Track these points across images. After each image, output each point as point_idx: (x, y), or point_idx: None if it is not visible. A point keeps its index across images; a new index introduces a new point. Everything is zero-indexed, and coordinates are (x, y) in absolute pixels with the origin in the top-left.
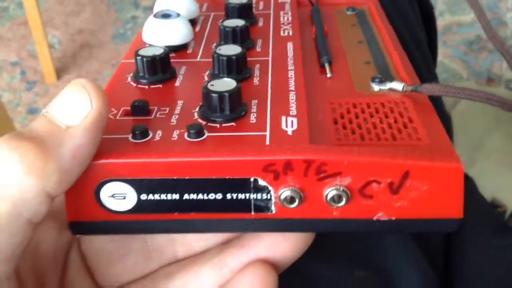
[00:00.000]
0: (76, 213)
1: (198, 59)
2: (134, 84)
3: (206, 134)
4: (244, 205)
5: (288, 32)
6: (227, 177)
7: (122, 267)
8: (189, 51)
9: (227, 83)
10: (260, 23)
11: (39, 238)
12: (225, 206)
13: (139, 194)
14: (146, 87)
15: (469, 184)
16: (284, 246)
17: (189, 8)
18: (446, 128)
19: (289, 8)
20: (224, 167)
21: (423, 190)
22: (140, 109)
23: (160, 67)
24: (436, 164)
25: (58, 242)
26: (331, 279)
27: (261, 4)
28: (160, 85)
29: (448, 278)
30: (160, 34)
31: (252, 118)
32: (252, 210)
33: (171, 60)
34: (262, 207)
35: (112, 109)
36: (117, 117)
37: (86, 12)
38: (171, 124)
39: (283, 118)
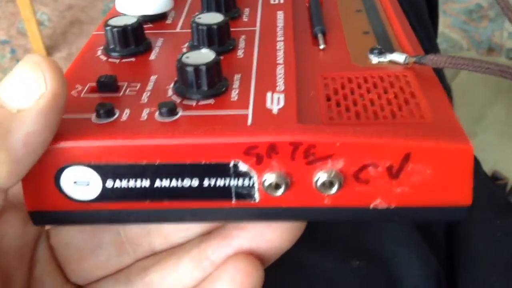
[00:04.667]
0: (36, 202)
1: (177, 29)
2: (105, 58)
3: (180, 113)
4: (224, 192)
5: (279, 1)
6: (203, 162)
7: (94, 261)
8: (168, 21)
9: (204, 55)
10: None
11: (2, 232)
12: (202, 193)
13: (104, 180)
14: (117, 61)
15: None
16: (270, 237)
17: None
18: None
19: None
20: (199, 151)
21: (426, 174)
22: (107, 85)
23: (133, 39)
24: (441, 145)
25: (24, 236)
26: (326, 269)
27: None
28: (133, 59)
29: (451, 264)
30: (134, 2)
31: (234, 95)
32: (233, 197)
33: (148, 31)
34: (244, 194)
35: (77, 86)
36: (82, 95)
37: None
38: (142, 102)
39: (269, 94)
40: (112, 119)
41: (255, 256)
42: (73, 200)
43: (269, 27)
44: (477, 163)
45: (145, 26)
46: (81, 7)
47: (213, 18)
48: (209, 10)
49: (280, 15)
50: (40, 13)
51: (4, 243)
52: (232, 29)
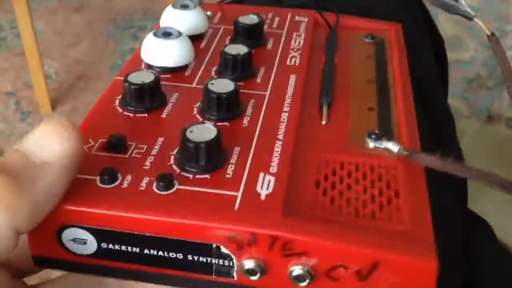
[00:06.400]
0: (38, 249)
1: (193, 84)
2: (120, 110)
3: (176, 186)
4: (205, 267)
5: (295, 61)
6: (189, 240)
7: None
8: (187, 73)
9: (206, 131)
10: (269, 45)
11: None
12: (186, 265)
13: (99, 242)
14: (131, 115)
15: (487, 229)
16: None
17: (196, 23)
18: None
19: (303, 30)
20: (187, 230)
21: (393, 282)
22: (116, 145)
23: (148, 96)
24: (407, 259)
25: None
26: None
27: (276, 21)
28: (146, 115)
29: None
30: (158, 55)
31: (229, 171)
32: (213, 273)
33: (165, 83)
34: (224, 272)
35: (90, 140)
36: (93, 151)
37: (85, 43)
38: (144, 168)
39: (261, 175)
40: (114, 184)
41: None
42: (71, 253)
43: (279, 93)
44: (490, 229)
45: (163, 76)
46: (88, 62)
47: (225, 86)
48: (225, 67)
49: (292, 79)
50: (47, 66)
51: None
52: (243, 91)
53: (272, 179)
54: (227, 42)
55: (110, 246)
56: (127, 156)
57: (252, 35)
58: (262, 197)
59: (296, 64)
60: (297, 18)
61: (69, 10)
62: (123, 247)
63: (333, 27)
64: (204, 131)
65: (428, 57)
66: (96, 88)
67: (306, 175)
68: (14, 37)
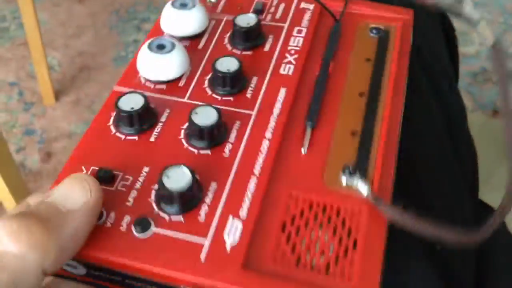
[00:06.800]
0: None
1: (185, 99)
2: (113, 130)
3: (152, 229)
4: None
5: (289, 70)
6: (160, 282)
7: None
8: (181, 83)
9: (182, 178)
10: (267, 45)
11: None
12: None
13: (87, 269)
14: (122, 137)
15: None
16: None
17: (195, 23)
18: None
19: (306, 24)
20: (158, 275)
21: None
22: (104, 179)
23: (137, 121)
24: None
25: None
26: None
27: (280, 10)
28: (136, 137)
29: None
30: (152, 69)
31: (202, 213)
32: None
33: (159, 96)
34: None
35: (82, 168)
36: None
37: (88, 34)
38: (127, 204)
39: (230, 219)
40: (100, 222)
41: None
42: (67, 271)
43: (265, 113)
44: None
45: (158, 87)
46: (92, 53)
47: (208, 116)
48: (216, 83)
49: (281, 94)
50: (50, 57)
51: None
52: (231, 108)
53: (240, 225)
54: (225, 41)
55: (97, 272)
56: (113, 189)
57: (250, 37)
58: (227, 247)
59: (290, 73)
60: (302, 5)
61: (72, 1)
62: (108, 275)
63: (338, 18)
64: (180, 176)
65: (440, 46)
66: (99, 79)
67: (274, 216)
68: (17, 27)
